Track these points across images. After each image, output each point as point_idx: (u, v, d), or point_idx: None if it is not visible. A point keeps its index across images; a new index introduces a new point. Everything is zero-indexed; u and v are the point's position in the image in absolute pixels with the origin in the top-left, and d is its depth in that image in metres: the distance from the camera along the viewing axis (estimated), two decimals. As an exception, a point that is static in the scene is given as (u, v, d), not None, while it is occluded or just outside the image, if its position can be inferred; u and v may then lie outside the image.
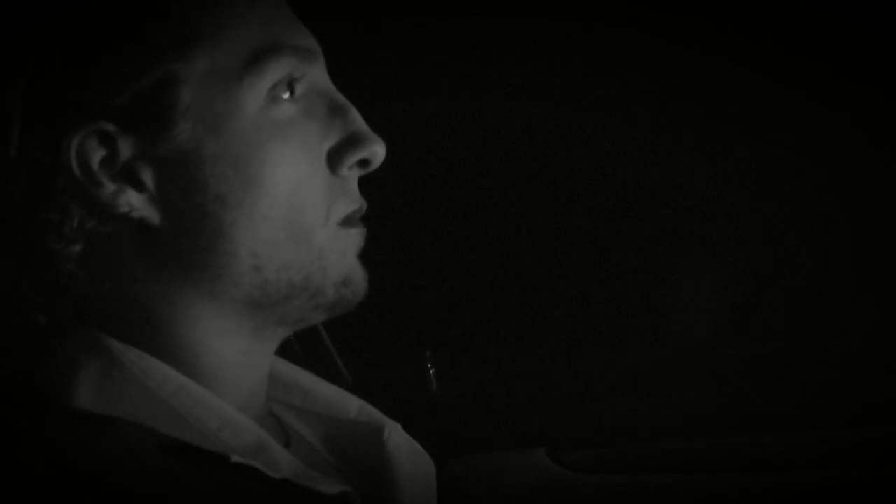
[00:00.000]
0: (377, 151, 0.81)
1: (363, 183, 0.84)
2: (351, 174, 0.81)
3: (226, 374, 0.79)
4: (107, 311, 0.77)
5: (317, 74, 0.81)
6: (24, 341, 0.78)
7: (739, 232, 1.39)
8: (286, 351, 0.91)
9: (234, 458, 0.73)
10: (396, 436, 0.90)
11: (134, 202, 0.75)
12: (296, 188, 0.77)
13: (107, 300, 0.77)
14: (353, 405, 0.91)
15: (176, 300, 0.77)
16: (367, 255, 0.84)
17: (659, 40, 1.30)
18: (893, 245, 1.32)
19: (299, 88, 0.79)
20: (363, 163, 0.81)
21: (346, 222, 0.81)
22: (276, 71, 0.76)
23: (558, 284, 1.44)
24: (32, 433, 0.72)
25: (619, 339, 1.44)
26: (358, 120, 0.81)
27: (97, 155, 0.74)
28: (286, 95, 0.77)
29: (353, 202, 0.81)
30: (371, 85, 1.36)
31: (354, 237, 0.82)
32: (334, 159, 0.80)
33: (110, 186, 0.75)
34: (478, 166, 1.45)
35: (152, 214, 0.76)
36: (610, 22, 1.32)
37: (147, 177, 0.75)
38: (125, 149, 0.75)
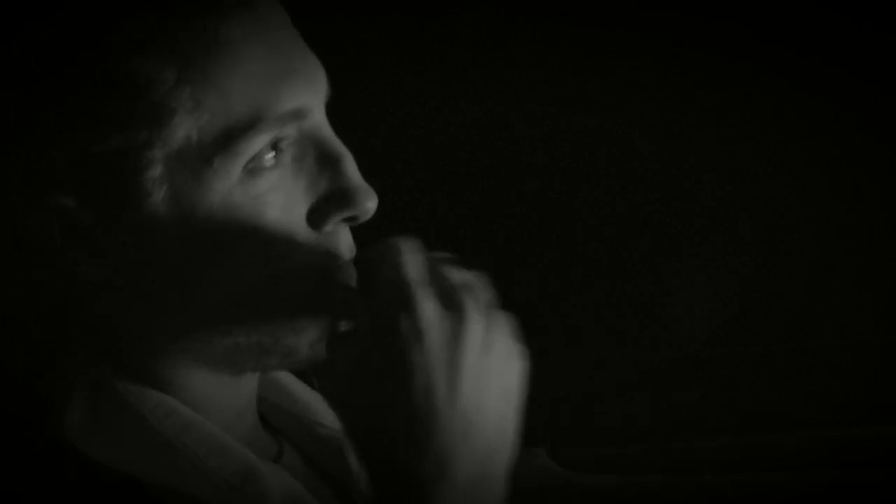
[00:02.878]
0: (367, 209, 0.74)
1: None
2: (337, 229, 0.75)
3: (214, 396, 0.77)
4: (94, 344, 0.76)
5: (311, 122, 0.73)
6: (24, 356, 0.77)
7: (740, 233, 1.39)
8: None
9: None
10: None
11: (98, 270, 0.72)
12: (267, 259, 0.72)
13: (91, 339, 0.76)
14: (329, 414, 0.87)
15: (154, 346, 0.75)
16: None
17: (661, 40, 1.30)
18: (893, 245, 1.32)
19: (287, 142, 0.72)
20: (350, 218, 0.74)
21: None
22: (253, 147, 0.70)
23: (558, 284, 1.44)
24: (26, 452, 0.72)
25: (620, 340, 1.44)
26: (349, 172, 0.74)
27: (57, 226, 0.71)
28: (270, 156, 0.71)
29: (336, 259, 0.75)
30: (376, 85, 1.36)
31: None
32: (316, 217, 0.73)
33: (72, 255, 0.72)
34: (478, 167, 1.45)
35: (117, 280, 0.72)
36: (609, 21, 1.32)
37: (110, 247, 0.72)
38: (87, 220, 0.71)
